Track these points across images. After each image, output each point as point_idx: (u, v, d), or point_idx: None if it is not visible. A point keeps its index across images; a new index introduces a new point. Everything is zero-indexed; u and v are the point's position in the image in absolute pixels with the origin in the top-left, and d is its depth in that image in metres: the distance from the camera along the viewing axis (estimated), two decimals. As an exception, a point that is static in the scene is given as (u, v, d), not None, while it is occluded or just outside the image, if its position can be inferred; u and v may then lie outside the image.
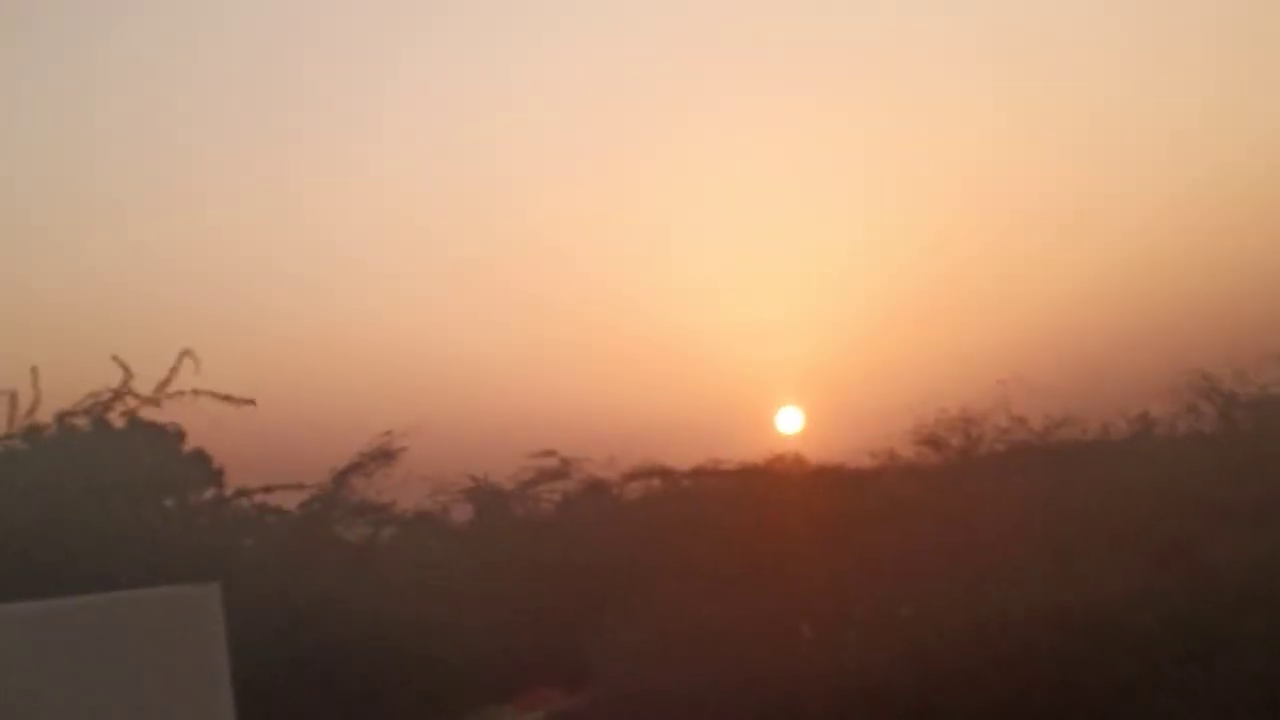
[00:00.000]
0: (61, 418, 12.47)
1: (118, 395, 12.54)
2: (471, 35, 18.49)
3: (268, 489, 13.47)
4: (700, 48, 18.85)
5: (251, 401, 12.70)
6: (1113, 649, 10.30)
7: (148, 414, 12.74)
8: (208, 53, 17.98)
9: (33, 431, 12.44)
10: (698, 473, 14.56)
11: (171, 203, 17.59)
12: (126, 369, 12.48)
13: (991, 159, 18.42)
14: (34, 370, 12.25)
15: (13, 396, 12.26)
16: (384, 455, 13.56)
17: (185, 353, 12.47)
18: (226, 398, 12.61)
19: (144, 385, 12.59)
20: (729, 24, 18.70)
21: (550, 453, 14.26)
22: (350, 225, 18.40)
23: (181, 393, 12.60)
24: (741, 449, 14.73)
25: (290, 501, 13.71)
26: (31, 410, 12.33)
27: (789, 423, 16.40)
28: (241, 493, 13.35)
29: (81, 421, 12.55)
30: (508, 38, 18.36)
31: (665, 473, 14.59)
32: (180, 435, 12.86)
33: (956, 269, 18.37)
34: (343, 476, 13.62)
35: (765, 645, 10.76)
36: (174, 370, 12.49)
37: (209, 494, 13.20)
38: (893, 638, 10.65)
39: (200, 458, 13.01)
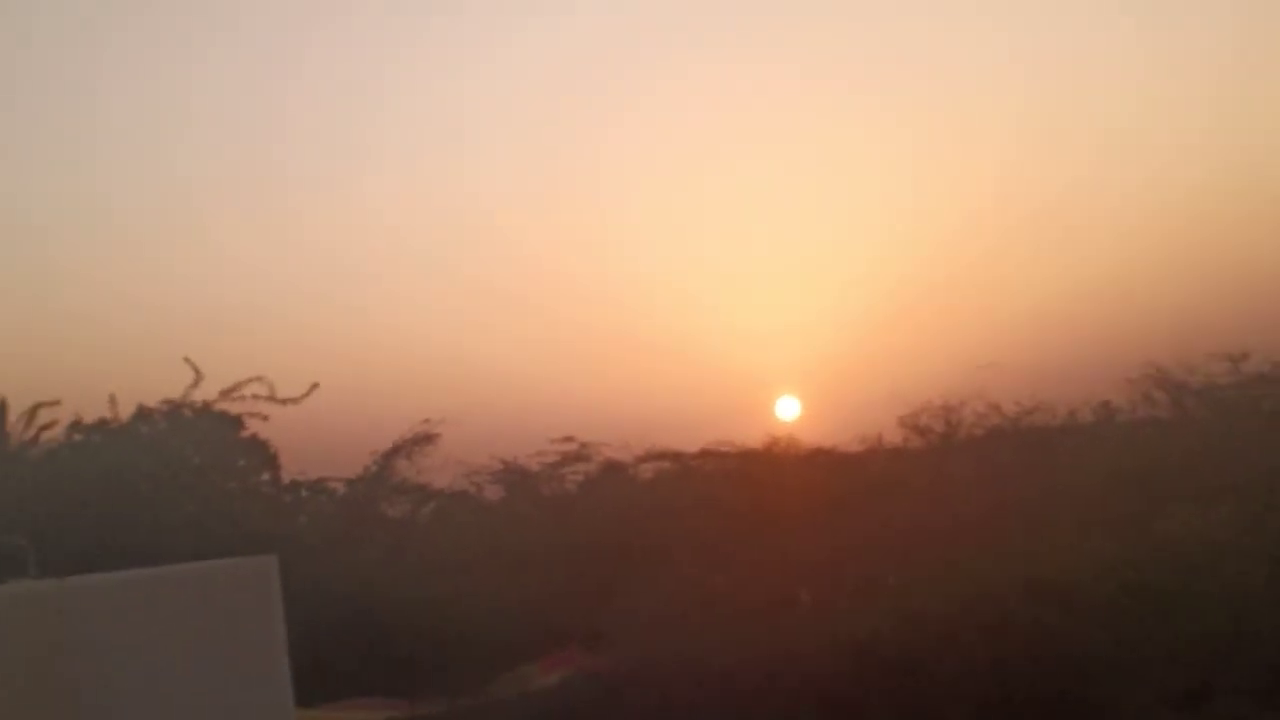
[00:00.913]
0: (140, 411, 12.57)
1: (185, 398, 12.69)
2: (463, 56, 18.67)
3: (321, 480, 13.59)
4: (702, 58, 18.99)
5: (307, 393, 12.83)
6: (1079, 613, 10.25)
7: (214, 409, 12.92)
8: (222, 90, 18.15)
9: (112, 424, 12.52)
10: (703, 455, 14.55)
11: (223, 235, 17.91)
12: (197, 371, 12.61)
13: (977, 179, 18.57)
14: (112, 397, 12.46)
15: (113, 397, 12.50)
16: (424, 439, 13.62)
17: (256, 378, 12.69)
18: (284, 400, 12.76)
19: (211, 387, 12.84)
20: (728, 30, 18.82)
21: (569, 439, 14.34)
22: (378, 250, 18.62)
23: (243, 396, 12.75)
24: (742, 434, 14.76)
25: (339, 484, 13.79)
26: (113, 415, 12.50)
27: (786, 410, 16.38)
28: (297, 483, 13.46)
29: (156, 415, 12.65)
30: (505, 53, 18.49)
31: (675, 456, 14.59)
32: (240, 424, 12.93)
33: (941, 275, 18.47)
34: (386, 459, 13.67)
35: (767, 610, 10.74)
36: (240, 384, 12.68)
37: (266, 476, 13.26)
38: (881, 604, 10.62)
39: (259, 444, 13.08)
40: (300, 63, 18.39)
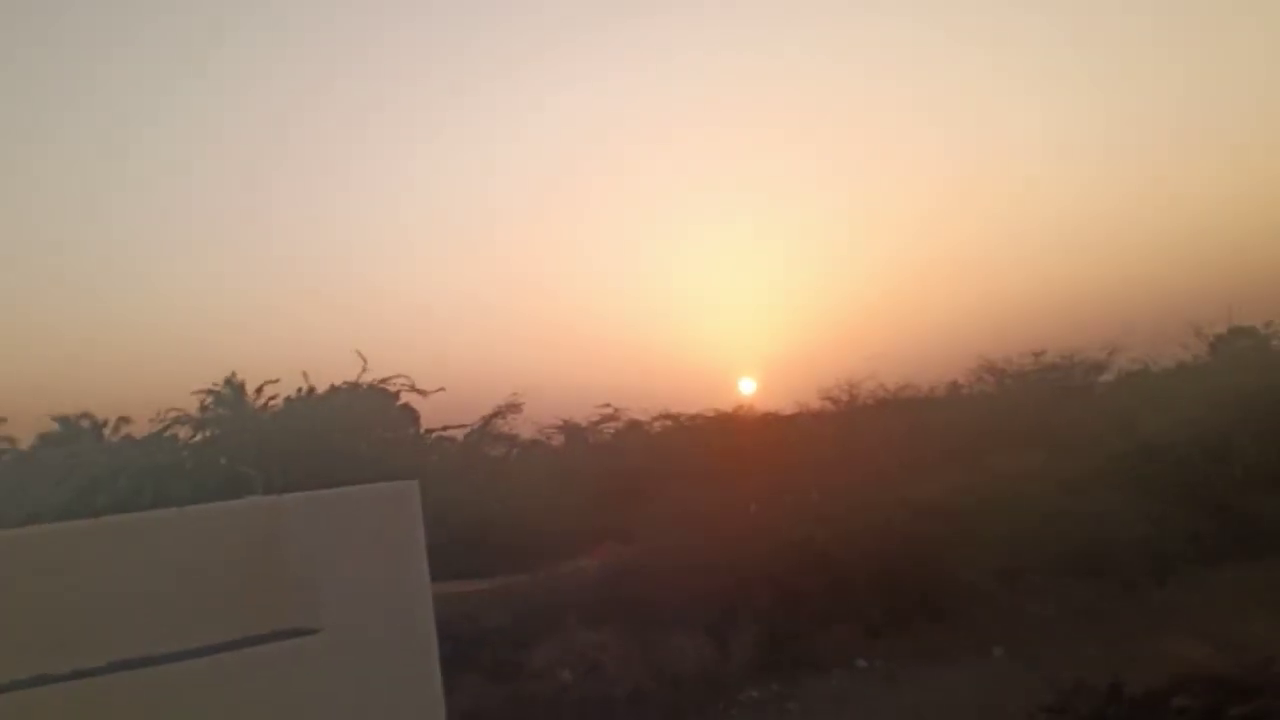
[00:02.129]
0: (331, 388, 12.62)
1: (358, 379, 12.70)
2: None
3: (445, 427, 13.61)
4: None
5: (434, 391, 12.95)
6: (938, 520, 10.18)
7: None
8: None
9: (312, 396, 12.56)
10: (694, 417, 14.59)
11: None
12: (364, 360, 12.65)
13: (881, 235, 18.86)
14: (304, 374, 12.46)
15: (304, 375, 12.51)
16: (513, 406, 13.68)
17: (401, 375, 12.78)
18: (420, 391, 12.89)
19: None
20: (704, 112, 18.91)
21: (607, 405, 14.39)
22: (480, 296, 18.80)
23: (395, 384, 12.82)
24: (718, 402, 14.84)
25: (458, 434, 13.85)
26: (309, 390, 12.52)
27: (746, 387, 16.48)
28: (430, 430, 13.49)
29: (342, 391, 12.68)
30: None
31: (674, 417, 14.63)
32: (396, 396, 12.98)
33: (849, 300, 18.86)
34: (489, 418, 13.73)
35: (731, 516, 10.66)
36: (390, 377, 12.77)
37: (411, 430, 13.33)
38: (806, 513, 10.55)
39: (408, 409, 13.15)
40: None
